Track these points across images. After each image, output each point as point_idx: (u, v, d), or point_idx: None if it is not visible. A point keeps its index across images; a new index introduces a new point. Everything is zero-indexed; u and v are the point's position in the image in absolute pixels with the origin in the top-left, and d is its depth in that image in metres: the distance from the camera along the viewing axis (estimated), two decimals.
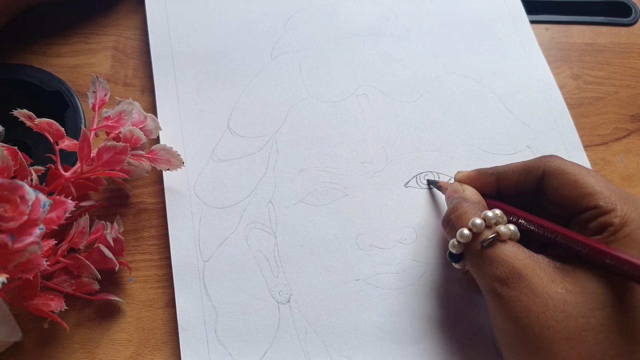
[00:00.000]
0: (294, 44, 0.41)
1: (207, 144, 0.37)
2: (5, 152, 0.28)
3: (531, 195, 0.31)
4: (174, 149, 0.34)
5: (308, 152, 0.37)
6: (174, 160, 0.34)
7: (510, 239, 0.27)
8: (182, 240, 0.34)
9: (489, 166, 0.32)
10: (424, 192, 0.36)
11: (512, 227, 0.27)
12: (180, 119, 0.38)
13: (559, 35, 0.45)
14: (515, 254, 0.26)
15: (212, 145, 0.37)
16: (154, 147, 0.34)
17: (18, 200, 0.25)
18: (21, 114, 0.31)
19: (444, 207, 0.36)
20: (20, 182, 0.25)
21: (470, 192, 0.31)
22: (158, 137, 0.37)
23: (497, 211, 0.28)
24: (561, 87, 0.41)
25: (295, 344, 0.32)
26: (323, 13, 0.42)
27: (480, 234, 0.27)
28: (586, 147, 0.39)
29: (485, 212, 0.28)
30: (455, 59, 0.41)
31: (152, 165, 0.34)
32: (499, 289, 0.26)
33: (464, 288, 0.33)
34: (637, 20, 0.46)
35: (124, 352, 0.32)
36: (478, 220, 0.27)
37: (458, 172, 0.33)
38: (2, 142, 0.35)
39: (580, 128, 0.40)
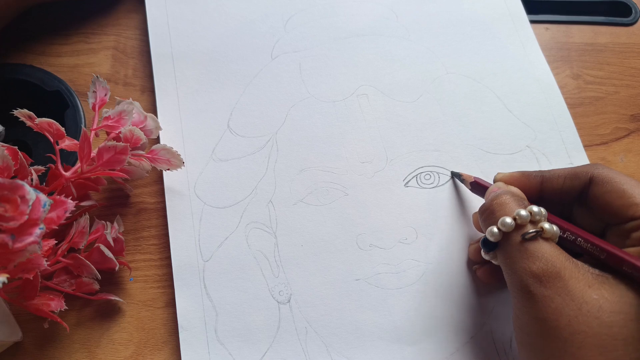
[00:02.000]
0: (294, 44, 0.41)
1: (208, 143, 0.37)
2: (5, 151, 0.28)
3: (572, 202, 0.30)
4: (174, 149, 0.34)
5: (308, 152, 0.37)
6: (174, 160, 0.34)
7: (552, 239, 0.27)
8: (182, 240, 0.34)
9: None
10: (424, 192, 0.36)
11: (555, 227, 0.27)
12: (180, 119, 0.38)
13: (559, 35, 0.45)
14: (556, 253, 0.26)
15: (213, 145, 0.37)
16: (154, 147, 0.34)
17: (18, 200, 0.25)
18: (21, 113, 0.31)
19: (444, 207, 0.36)
20: (20, 182, 0.25)
21: (516, 189, 0.30)
22: (158, 137, 0.37)
23: (543, 210, 0.27)
24: (561, 87, 0.41)
25: (295, 344, 0.32)
26: (323, 13, 0.42)
27: (523, 226, 0.27)
28: (586, 146, 0.39)
29: (531, 206, 0.27)
30: (455, 58, 0.41)
31: (152, 165, 0.34)
32: (532, 286, 0.25)
33: (482, 279, 0.33)
34: (637, 20, 0.46)
35: (124, 352, 0.32)
36: (523, 212, 0.27)
37: (498, 173, 0.32)
38: (2, 141, 0.35)
39: (580, 128, 0.40)
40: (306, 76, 0.39)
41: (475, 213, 0.34)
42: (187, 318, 0.32)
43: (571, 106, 0.40)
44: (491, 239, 0.28)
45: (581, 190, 0.29)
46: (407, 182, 0.36)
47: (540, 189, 0.31)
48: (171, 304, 0.33)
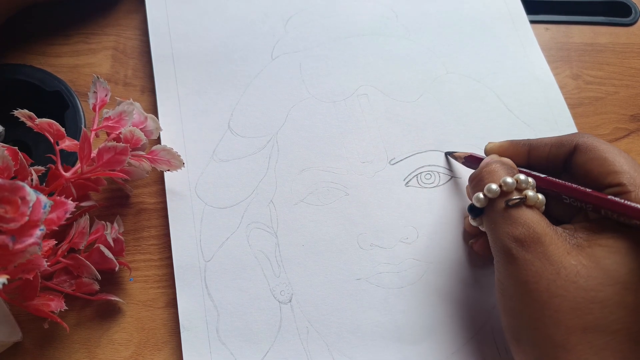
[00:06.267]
0: (295, 44, 0.41)
1: (208, 144, 0.37)
2: (5, 152, 0.28)
3: (558, 170, 0.31)
4: (175, 150, 0.34)
5: (309, 152, 0.37)
6: (174, 161, 0.34)
7: (536, 206, 0.27)
8: (183, 241, 0.34)
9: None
10: (425, 191, 0.36)
11: (540, 196, 0.28)
12: (181, 120, 0.38)
13: (558, 35, 0.45)
14: (537, 220, 0.27)
15: (213, 146, 0.37)
16: (154, 147, 0.34)
17: (19, 201, 0.25)
18: (21, 114, 0.31)
19: (445, 206, 0.36)
20: (21, 183, 0.25)
21: (507, 159, 0.31)
22: (159, 138, 0.37)
23: (530, 179, 0.28)
24: (561, 87, 0.41)
25: (296, 344, 0.32)
26: (323, 13, 0.42)
27: (509, 193, 0.28)
28: None
29: (518, 174, 0.28)
30: (455, 58, 0.41)
31: (153, 165, 0.34)
32: (514, 249, 0.26)
33: (478, 252, 0.33)
34: (637, 20, 0.46)
35: (124, 352, 0.32)
36: (509, 179, 0.28)
37: (489, 143, 0.34)
38: (2, 142, 0.35)
39: (580, 128, 0.40)
40: (306, 76, 0.39)
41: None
42: (189, 318, 0.32)
43: (571, 106, 0.40)
44: (477, 204, 0.29)
45: (566, 159, 0.30)
46: (407, 182, 0.36)
47: (528, 157, 0.32)
48: (171, 304, 0.33)
